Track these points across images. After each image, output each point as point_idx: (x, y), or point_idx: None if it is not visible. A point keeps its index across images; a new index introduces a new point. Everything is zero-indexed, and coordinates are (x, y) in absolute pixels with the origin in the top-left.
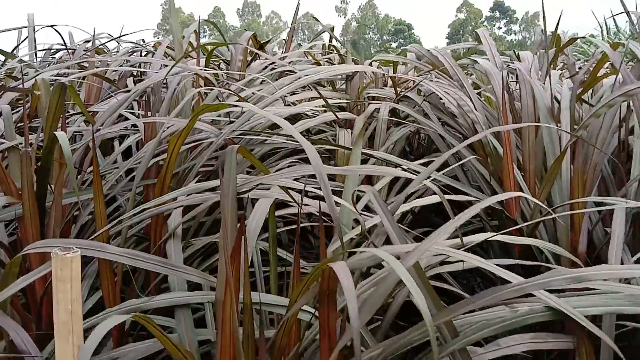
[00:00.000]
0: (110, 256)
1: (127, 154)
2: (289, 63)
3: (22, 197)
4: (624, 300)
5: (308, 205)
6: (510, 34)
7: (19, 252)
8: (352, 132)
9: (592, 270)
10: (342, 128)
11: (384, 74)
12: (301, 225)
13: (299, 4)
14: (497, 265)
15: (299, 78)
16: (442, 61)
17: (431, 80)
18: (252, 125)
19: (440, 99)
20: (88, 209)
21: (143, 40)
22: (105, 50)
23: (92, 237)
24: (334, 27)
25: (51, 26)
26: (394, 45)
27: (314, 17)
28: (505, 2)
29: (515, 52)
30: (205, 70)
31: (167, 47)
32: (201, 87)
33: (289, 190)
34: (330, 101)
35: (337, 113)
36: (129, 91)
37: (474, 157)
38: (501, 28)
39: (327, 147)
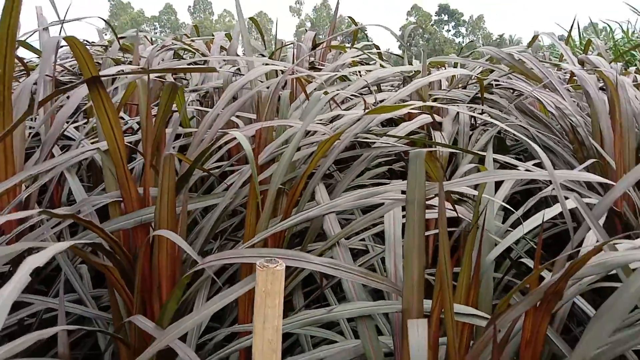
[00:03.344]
0: (314, 266)
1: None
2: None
3: (161, 204)
4: None
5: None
6: (459, 37)
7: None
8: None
9: None
10: (435, 130)
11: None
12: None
13: (338, 3)
14: None
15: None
16: (528, 64)
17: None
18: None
19: (539, 100)
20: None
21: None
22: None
23: (247, 244)
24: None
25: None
26: (347, 45)
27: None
28: (450, 5)
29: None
30: (302, 71)
31: (221, 46)
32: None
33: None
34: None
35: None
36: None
37: (593, 161)
38: (450, 31)
39: (453, 149)
